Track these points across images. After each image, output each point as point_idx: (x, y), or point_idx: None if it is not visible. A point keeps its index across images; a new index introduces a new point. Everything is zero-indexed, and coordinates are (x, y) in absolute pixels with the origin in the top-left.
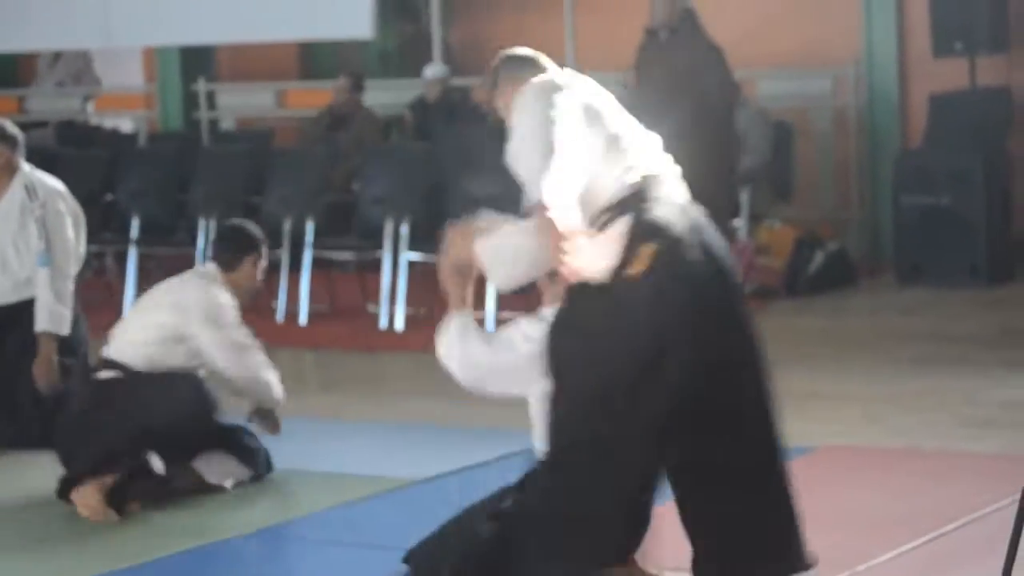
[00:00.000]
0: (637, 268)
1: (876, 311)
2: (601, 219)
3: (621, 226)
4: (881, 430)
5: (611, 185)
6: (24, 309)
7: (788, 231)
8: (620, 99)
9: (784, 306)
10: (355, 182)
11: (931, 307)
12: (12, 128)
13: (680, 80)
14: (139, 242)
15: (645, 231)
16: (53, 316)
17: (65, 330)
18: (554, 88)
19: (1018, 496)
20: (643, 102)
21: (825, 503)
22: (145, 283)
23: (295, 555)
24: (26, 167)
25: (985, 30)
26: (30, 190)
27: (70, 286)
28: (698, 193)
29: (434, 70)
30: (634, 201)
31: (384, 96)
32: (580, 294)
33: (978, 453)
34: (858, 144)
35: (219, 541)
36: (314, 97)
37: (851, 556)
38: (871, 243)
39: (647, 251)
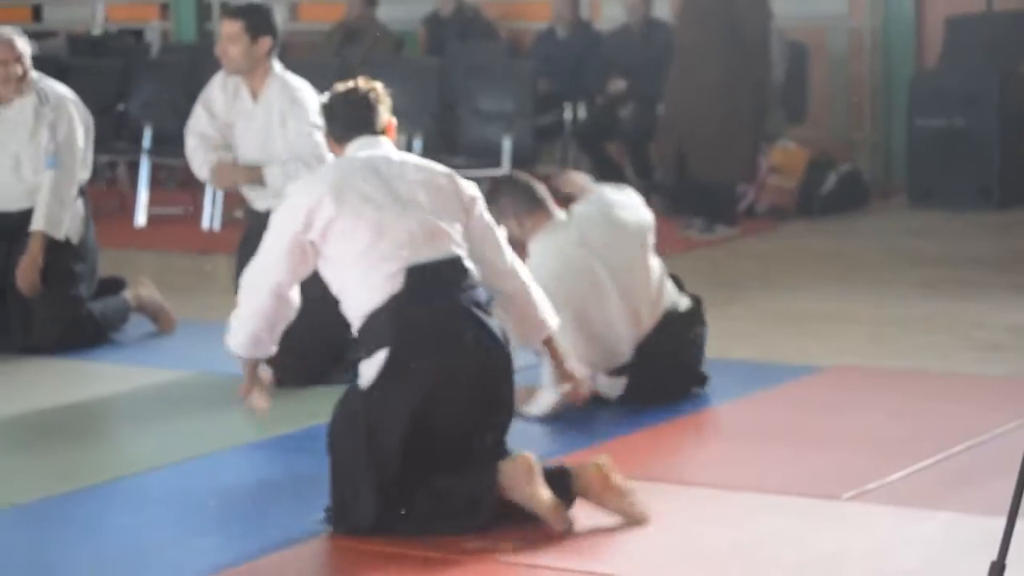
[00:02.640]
0: None
1: (887, 233)
2: None
3: None
4: (888, 351)
5: None
6: None
7: (801, 152)
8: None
9: (796, 227)
10: None
11: (942, 230)
12: (23, 37)
13: (716, 3)
14: (151, 152)
15: None
16: (50, 218)
17: (60, 234)
18: None
19: None
20: (683, 26)
21: (833, 423)
22: (157, 193)
23: None
24: (35, 74)
25: None
26: (42, 96)
27: (74, 192)
28: (731, 111)
29: None
30: None
31: (397, 11)
32: None
33: (985, 376)
34: (873, 65)
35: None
36: (327, 11)
37: (859, 475)
38: (884, 165)
39: None
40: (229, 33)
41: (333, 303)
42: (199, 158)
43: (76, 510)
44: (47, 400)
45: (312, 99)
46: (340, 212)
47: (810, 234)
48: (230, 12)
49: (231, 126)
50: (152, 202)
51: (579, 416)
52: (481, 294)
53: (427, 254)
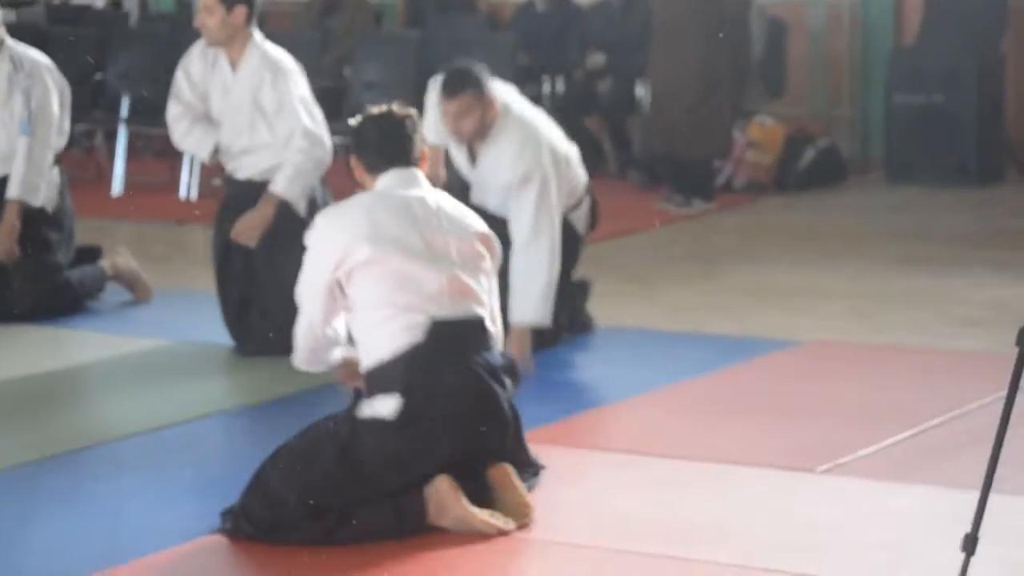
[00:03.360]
0: None
1: (865, 209)
2: None
3: None
4: (867, 327)
5: None
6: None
7: (779, 128)
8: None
9: (773, 202)
10: (346, 68)
11: (920, 206)
12: None
13: None
14: (129, 121)
15: None
16: (26, 185)
17: (37, 201)
18: None
19: (1002, 393)
20: (663, 2)
21: (809, 396)
22: (134, 162)
23: None
24: (10, 41)
25: None
26: (16, 62)
27: (49, 158)
28: (710, 88)
29: None
30: None
31: None
32: None
33: (963, 351)
34: (852, 41)
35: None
36: None
37: (834, 448)
38: (862, 141)
39: None
40: (205, 4)
41: None
42: (181, 127)
43: (51, 478)
44: (23, 367)
45: (293, 69)
46: (372, 253)
47: (788, 209)
48: None
49: (208, 96)
50: (129, 171)
51: (553, 388)
52: (496, 358)
53: (451, 311)
